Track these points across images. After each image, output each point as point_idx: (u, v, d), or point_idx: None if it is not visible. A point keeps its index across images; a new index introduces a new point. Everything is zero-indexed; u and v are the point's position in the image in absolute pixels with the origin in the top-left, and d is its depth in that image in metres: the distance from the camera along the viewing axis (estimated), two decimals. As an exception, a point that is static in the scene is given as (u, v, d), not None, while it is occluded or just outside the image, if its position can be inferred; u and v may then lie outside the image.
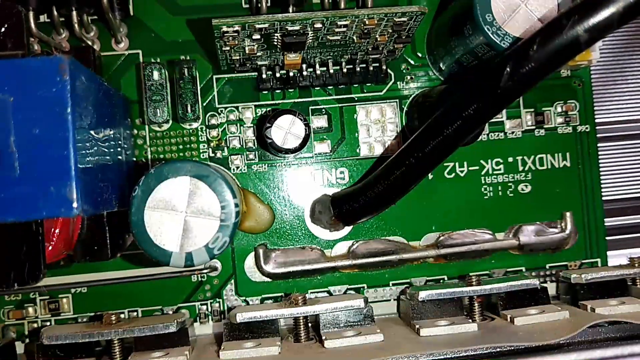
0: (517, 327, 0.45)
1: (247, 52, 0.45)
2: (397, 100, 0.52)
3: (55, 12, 0.47)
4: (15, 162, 0.32)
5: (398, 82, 0.52)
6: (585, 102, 0.54)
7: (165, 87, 0.48)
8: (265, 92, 0.51)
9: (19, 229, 0.34)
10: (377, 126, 0.52)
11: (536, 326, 0.45)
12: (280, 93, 0.51)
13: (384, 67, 0.51)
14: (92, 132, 0.36)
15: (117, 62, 0.50)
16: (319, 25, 0.42)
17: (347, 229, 0.52)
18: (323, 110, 0.52)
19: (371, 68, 0.51)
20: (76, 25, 0.47)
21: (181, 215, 0.38)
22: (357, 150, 0.52)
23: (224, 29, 0.41)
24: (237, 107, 0.51)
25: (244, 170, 0.51)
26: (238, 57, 0.47)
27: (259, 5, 0.47)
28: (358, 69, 0.50)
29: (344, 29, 0.43)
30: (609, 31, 0.37)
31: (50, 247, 0.38)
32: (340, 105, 0.52)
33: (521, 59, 0.38)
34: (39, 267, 0.34)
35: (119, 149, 0.44)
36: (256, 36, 0.43)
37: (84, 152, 0.34)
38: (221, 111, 0.51)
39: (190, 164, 0.38)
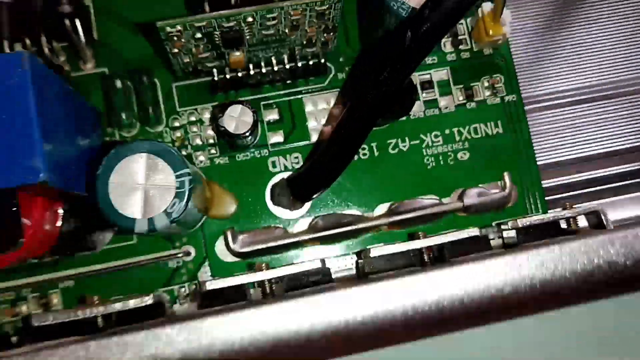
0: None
1: (194, 53, 0.52)
2: (339, 89, 0.59)
3: (28, 41, 0.54)
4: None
5: (338, 74, 0.59)
6: (509, 74, 0.60)
7: (129, 95, 0.55)
8: (220, 93, 0.57)
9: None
10: (324, 113, 0.58)
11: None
12: (233, 93, 0.58)
13: (323, 61, 0.57)
14: (58, 120, 0.42)
15: (86, 80, 0.57)
16: (250, 19, 0.49)
17: (306, 207, 0.57)
18: (274, 104, 0.58)
19: (311, 63, 0.57)
20: (47, 51, 0.54)
21: (141, 187, 0.44)
22: (308, 137, 0.58)
23: (168, 29, 0.48)
24: (195, 109, 0.57)
25: (208, 164, 0.57)
26: (189, 60, 0.53)
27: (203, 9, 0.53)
28: (300, 64, 0.57)
29: (274, 22, 0.50)
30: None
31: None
32: (288, 98, 0.58)
33: (419, 21, 0.44)
34: (19, 232, 0.40)
35: (87, 147, 0.50)
36: (198, 35, 0.49)
37: (50, 135, 0.40)
38: (182, 114, 0.57)
39: (146, 143, 0.44)
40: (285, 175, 0.57)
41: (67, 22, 0.52)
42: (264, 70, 0.56)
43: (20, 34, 0.53)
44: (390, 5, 0.49)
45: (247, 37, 0.51)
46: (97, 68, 0.57)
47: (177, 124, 0.57)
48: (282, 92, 0.58)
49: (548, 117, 0.63)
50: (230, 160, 0.57)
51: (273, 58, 0.56)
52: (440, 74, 0.59)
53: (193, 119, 0.57)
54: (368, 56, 0.57)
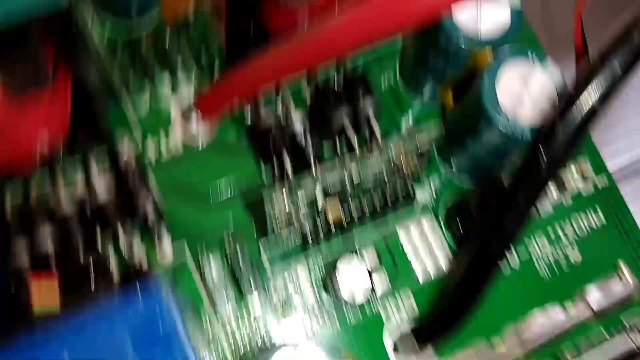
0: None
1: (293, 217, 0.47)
2: (431, 213, 0.55)
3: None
4: None
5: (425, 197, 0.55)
6: (590, 152, 0.57)
7: (223, 275, 0.49)
8: (312, 246, 0.53)
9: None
10: (424, 246, 0.54)
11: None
12: (324, 243, 0.53)
13: (409, 185, 0.53)
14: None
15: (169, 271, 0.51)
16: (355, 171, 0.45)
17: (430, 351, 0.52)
18: (369, 249, 0.54)
19: (399, 192, 0.53)
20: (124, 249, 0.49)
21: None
22: (416, 278, 0.54)
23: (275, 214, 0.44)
24: (291, 273, 0.52)
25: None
26: (284, 221, 0.49)
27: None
28: (388, 199, 0.53)
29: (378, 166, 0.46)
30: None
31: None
32: (382, 235, 0.54)
33: (549, 140, 0.41)
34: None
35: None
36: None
37: None
38: (276, 276, 0.52)
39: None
40: (404, 326, 0.52)
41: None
42: (355, 214, 0.52)
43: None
44: (498, 127, 0.46)
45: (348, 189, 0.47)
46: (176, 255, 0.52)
47: (273, 289, 0.52)
48: (372, 232, 0.54)
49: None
50: (331, 322, 0.52)
51: (365, 201, 0.52)
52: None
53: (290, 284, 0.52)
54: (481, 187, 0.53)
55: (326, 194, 0.45)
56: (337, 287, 0.50)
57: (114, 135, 0.50)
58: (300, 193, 0.45)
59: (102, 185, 0.48)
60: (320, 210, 0.49)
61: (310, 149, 0.51)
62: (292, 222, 0.49)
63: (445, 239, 0.55)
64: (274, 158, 0.51)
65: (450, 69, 0.50)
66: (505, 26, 0.47)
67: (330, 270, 0.51)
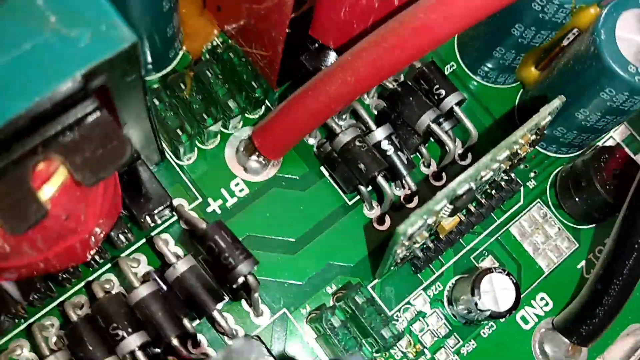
0: None
1: (417, 241, 0.40)
2: (539, 201, 0.49)
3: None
4: None
5: (526, 183, 0.49)
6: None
7: (349, 325, 0.42)
8: (425, 269, 0.46)
9: None
10: (539, 231, 0.48)
11: None
12: (438, 263, 0.46)
13: (512, 176, 0.47)
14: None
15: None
16: (484, 173, 0.38)
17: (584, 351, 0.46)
18: (485, 252, 0.47)
19: (503, 184, 0.47)
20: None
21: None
22: (539, 268, 0.47)
23: (409, 231, 0.36)
24: (408, 302, 0.45)
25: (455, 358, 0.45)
26: (406, 253, 0.42)
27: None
28: (493, 192, 0.46)
29: (498, 164, 0.40)
30: None
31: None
32: (495, 237, 0.48)
33: None
34: None
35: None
36: (430, 220, 0.38)
37: None
38: (399, 315, 0.45)
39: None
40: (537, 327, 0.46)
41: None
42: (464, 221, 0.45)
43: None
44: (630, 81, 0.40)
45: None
46: (273, 314, 0.44)
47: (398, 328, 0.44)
48: (484, 235, 0.48)
49: None
50: (477, 341, 0.45)
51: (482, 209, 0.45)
52: None
53: (409, 315, 0.45)
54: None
55: (455, 201, 0.38)
56: (469, 301, 0.43)
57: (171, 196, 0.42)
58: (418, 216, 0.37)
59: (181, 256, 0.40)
60: (435, 225, 0.42)
61: (405, 159, 0.44)
62: (410, 249, 0.42)
63: (559, 220, 0.49)
64: (361, 179, 0.44)
65: (537, 38, 0.44)
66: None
67: (455, 285, 0.45)
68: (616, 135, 0.51)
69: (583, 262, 0.48)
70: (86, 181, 0.30)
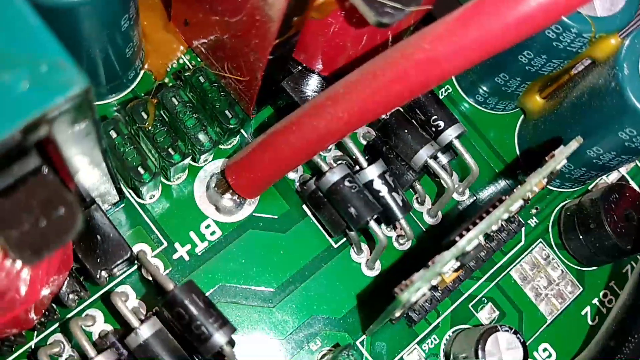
0: None
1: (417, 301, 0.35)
2: (541, 241, 0.44)
3: None
4: None
5: (527, 220, 0.45)
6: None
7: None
8: (421, 322, 0.41)
9: None
10: (541, 275, 0.44)
11: None
12: (434, 313, 0.41)
13: (515, 215, 0.42)
14: None
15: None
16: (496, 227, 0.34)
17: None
18: (484, 300, 0.43)
19: (504, 224, 0.42)
20: None
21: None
22: (542, 315, 0.43)
23: (413, 298, 0.31)
24: (401, 359, 0.40)
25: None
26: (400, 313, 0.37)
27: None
28: (494, 234, 0.42)
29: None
30: None
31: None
32: (494, 282, 0.43)
33: None
34: None
35: None
36: (435, 281, 0.33)
37: None
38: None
39: None
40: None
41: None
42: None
43: None
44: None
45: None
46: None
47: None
48: (483, 280, 0.43)
49: None
50: (477, 398, 0.41)
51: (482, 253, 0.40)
52: None
53: (404, 375, 0.40)
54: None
55: (462, 257, 0.33)
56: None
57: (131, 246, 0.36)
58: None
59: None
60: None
61: (400, 201, 0.39)
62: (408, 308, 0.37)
63: (562, 261, 0.44)
64: (351, 224, 0.38)
65: (546, 67, 0.39)
66: (621, 6, 0.37)
67: (454, 339, 0.40)
68: (622, 169, 0.47)
69: (588, 308, 0.44)
70: (25, 260, 0.24)
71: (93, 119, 0.25)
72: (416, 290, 0.31)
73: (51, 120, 0.22)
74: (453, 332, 0.41)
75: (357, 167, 0.39)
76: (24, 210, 0.23)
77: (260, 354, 0.39)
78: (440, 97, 0.45)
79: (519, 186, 0.34)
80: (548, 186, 0.45)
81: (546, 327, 0.43)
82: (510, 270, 0.44)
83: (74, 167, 0.28)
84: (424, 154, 0.40)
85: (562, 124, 0.41)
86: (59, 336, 0.37)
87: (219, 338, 0.32)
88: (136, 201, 0.40)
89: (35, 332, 0.36)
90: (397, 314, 0.35)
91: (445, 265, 0.32)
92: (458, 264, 0.33)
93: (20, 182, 0.23)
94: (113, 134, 0.36)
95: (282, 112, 0.40)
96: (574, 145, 0.35)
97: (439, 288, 0.39)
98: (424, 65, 0.30)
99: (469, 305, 0.42)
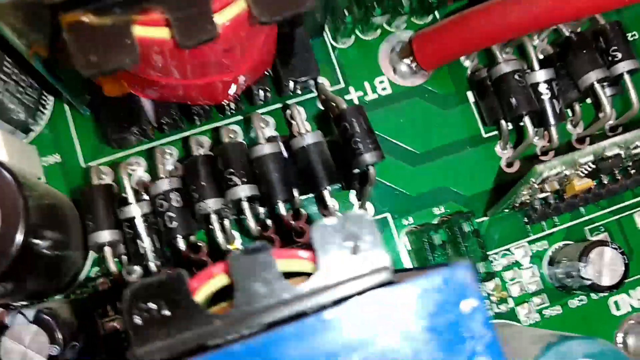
0: None
1: (544, 189, 0.39)
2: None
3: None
4: None
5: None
6: None
7: (447, 247, 0.42)
8: (536, 224, 0.45)
9: None
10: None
11: None
12: (551, 222, 0.45)
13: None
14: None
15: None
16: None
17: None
18: (602, 228, 0.46)
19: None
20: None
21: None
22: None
23: (545, 173, 0.35)
24: (508, 250, 0.45)
25: (537, 319, 0.44)
26: (526, 199, 0.41)
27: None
28: (633, 172, 0.44)
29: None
30: None
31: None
32: (616, 217, 0.46)
33: None
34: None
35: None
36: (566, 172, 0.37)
37: None
38: (494, 258, 0.44)
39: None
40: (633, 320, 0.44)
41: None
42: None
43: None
44: None
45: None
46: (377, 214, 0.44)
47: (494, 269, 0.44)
48: (607, 211, 0.46)
49: None
50: (563, 309, 0.44)
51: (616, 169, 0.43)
52: None
53: (505, 262, 0.45)
54: None
55: (599, 161, 0.36)
56: (572, 265, 0.41)
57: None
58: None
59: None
60: (567, 182, 0.41)
61: (558, 109, 0.42)
62: (533, 197, 0.41)
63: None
64: (508, 114, 0.42)
65: None
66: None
67: (561, 248, 0.44)
68: None
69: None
70: (262, 18, 0.30)
71: None
72: (551, 167, 0.35)
73: None
74: (563, 245, 0.45)
75: (529, 70, 0.43)
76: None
77: (390, 200, 0.44)
78: (627, 38, 0.47)
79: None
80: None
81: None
82: (634, 212, 0.46)
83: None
84: (593, 76, 0.42)
85: None
86: (236, 127, 0.44)
87: (369, 157, 0.38)
88: (330, 42, 0.46)
89: (221, 115, 0.43)
90: (525, 192, 0.39)
91: (584, 157, 0.35)
92: (593, 167, 0.37)
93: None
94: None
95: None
96: None
97: (565, 197, 0.43)
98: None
99: (586, 228, 0.45)
